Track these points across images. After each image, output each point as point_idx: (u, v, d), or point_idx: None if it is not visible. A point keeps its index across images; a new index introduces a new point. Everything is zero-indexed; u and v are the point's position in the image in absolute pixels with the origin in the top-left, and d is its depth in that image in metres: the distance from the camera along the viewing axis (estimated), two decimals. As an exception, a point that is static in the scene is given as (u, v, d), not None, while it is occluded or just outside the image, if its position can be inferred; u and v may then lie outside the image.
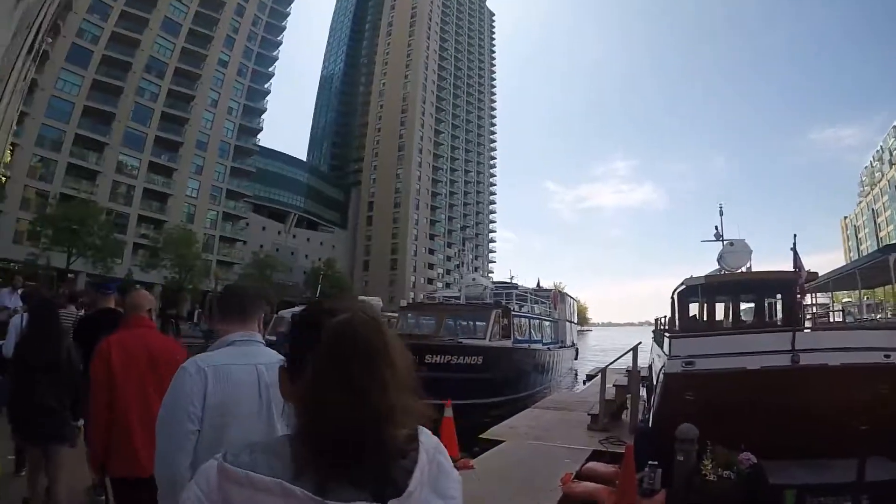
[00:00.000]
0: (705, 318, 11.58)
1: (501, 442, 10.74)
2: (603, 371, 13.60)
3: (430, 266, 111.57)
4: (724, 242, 12.22)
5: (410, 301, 39.73)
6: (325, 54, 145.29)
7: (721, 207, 13.14)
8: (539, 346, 24.71)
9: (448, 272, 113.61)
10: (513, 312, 21.94)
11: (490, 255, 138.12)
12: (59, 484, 4.93)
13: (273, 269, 69.35)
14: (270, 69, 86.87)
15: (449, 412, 9.76)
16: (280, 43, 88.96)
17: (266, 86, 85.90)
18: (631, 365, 12.70)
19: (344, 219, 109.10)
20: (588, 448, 10.19)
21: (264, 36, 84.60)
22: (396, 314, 25.69)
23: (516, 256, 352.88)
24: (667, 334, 10.72)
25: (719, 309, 12.38)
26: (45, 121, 57.73)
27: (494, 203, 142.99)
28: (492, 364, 18.19)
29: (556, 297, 31.64)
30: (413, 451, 1.15)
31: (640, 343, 13.16)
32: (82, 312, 8.57)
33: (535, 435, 11.53)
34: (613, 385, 13.43)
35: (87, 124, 61.70)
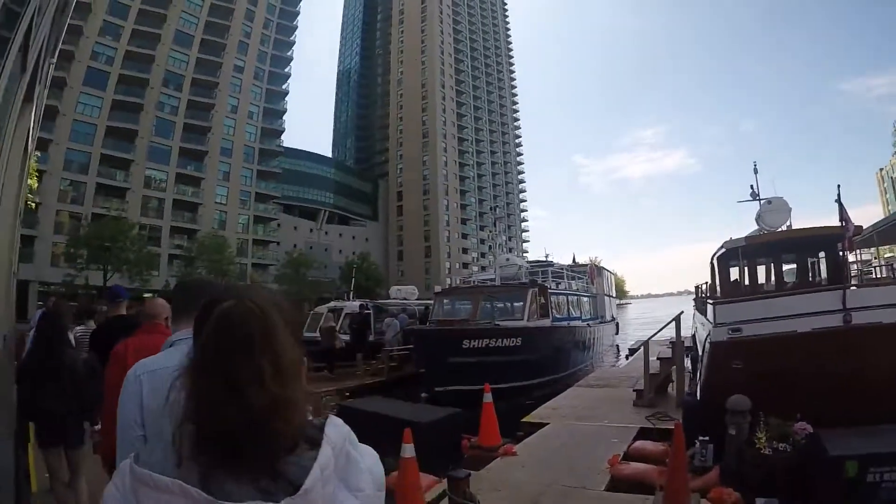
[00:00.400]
0: (747, 282, 11.11)
1: (545, 425, 10.48)
2: (645, 344, 13.22)
3: (465, 251, 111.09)
4: (761, 201, 11.73)
5: (447, 286, 39.33)
6: (339, 50, 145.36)
7: (755, 165, 12.70)
8: (578, 323, 24.25)
9: (482, 255, 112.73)
10: (549, 290, 21.43)
11: (523, 234, 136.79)
12: (81, 488, 5.07)
13: (307, 266, 69.62)
14: (286, 70, 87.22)
15: (488, 397, 9.46)
16: (293, 43, 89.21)
17: (284, 86, 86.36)
18: (674, 336, 12.31)
19: (375, 211, 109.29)
20: (635, 426, 9.86)
21: (276, 38, 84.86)
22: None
23: (550, 234, 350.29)
24: (710, 301, 10.29)
25: (761, 272, 11.92)
26: (69, 145, 58.95)
27: (523, 182, 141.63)
28: (531, 345, 17.81)
29: (592, 272, 31.00)
30: (316, 444, 1.09)
31: (683, 312, 12.70)
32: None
33: (578, 415, 11.25)
34: (657, 358, 12.97)
35: (112, 144, 62.81)
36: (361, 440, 1.25)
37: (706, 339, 8.66)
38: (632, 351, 25.31)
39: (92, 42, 62.13)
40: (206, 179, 71.67)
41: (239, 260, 67.55)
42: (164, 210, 67.17)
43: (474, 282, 27.63)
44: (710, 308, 9.26)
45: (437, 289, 25.55)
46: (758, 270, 11.85)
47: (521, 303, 19.43)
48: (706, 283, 13.44)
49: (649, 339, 13.48)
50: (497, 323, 18.35)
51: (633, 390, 12.31)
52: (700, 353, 10.26)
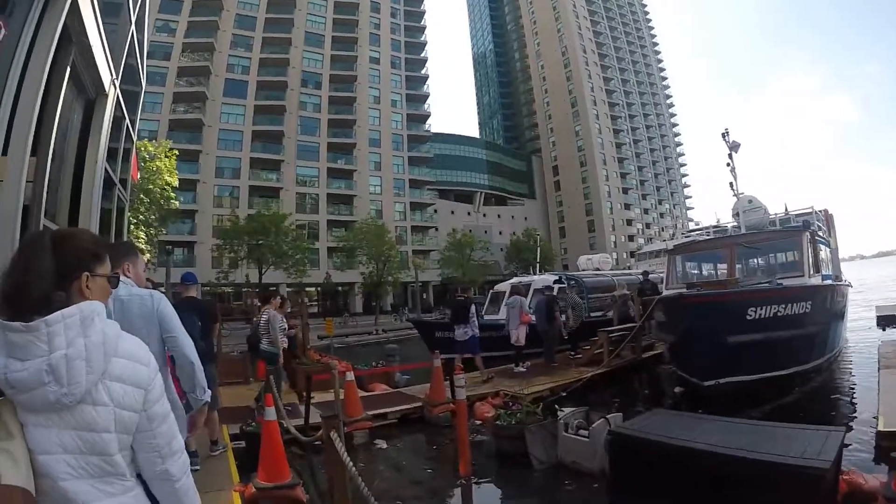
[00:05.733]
0: None
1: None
2: None
3: (629, 222, 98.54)
4: None
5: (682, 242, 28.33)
6: (470, 34, 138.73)
7: None
8: (835, 282, 16.47)
9: (647, 226, 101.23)
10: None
11: (686, 200, 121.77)
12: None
13: (472, 247, 62.56)
14: (422, 55, 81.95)
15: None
16: (424, 28, 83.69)
17: (423, 72, 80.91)
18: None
19: (531, 188, 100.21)
20: None
21: (407, 24, 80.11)
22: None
23: (714, 199, 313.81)
24: None
25: None
26: (219, 153, 58.60)
27: (681, 145, 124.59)
28: (819, 312, 12.35)
29: (829, 220, 22.33)
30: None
31: None
32: None
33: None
34: None
35: (260, 147, 61.48)
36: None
37: None
38: (883, 319, 17.48)
39: (225, 56, 62.02)
40: (358, 171, 67.55)
41: (399, 248, 61.79)
42: (319, 205, 63.91)
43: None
44: None
45: (669, 245, 19.93)
46: None
47: (797, 252, 13.93)
48: None
49: None
50: (779, 282, 12.51)
51: None
52: None
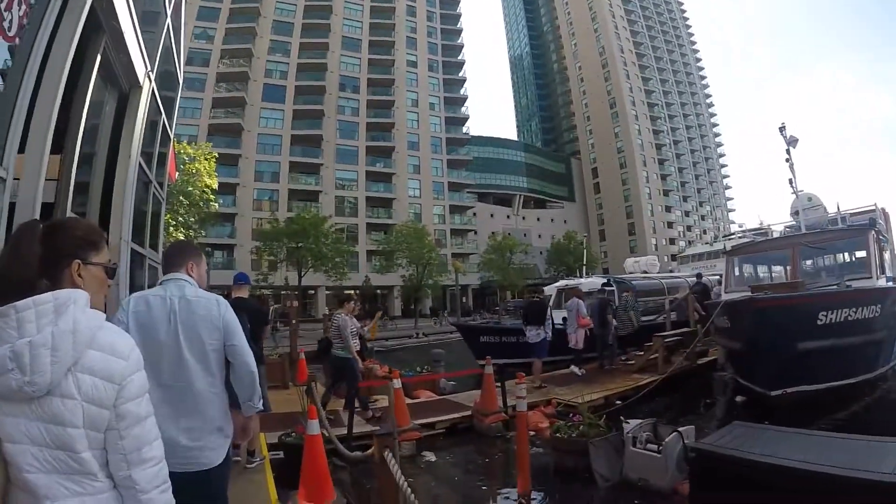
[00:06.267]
0: None
1: None
2: None
3: (670, 224, 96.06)
4: None
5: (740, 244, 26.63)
6: (507, 38, 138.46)
7: None
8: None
9: (689, 228, 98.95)
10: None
11: (727, 202, 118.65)
12: None
13: (513, 250, 61.24)
14: (459, 58, 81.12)
15: None
16: (460, 31, 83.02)
17: (460, 74, 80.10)
18: None
19: (570, 191, 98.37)
20: None
21: (443, 27, 79.58)
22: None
23: (756, 200, 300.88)
24: None
25: None
26: (258, 157, 59.05)
27: (721, 145, 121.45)
28: (888, 316, 11.42)
29: (888, 217, 21.26)
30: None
31: None
32: None
33: None
34: None
35: (299, 151, 61.77)
36: None
37: None
38: None
39: (263, 61, 62.67)
40: (396, 174, 67.05)
41: (438, 251, 60.60)
42: (358, 208, 63.60)
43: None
44: None
45: (727, 246, 19.10)
46: None
47: (863, 253, 13.12)
48: None
49: None
50: (848, 284, 11.63)
51: None
52: None
